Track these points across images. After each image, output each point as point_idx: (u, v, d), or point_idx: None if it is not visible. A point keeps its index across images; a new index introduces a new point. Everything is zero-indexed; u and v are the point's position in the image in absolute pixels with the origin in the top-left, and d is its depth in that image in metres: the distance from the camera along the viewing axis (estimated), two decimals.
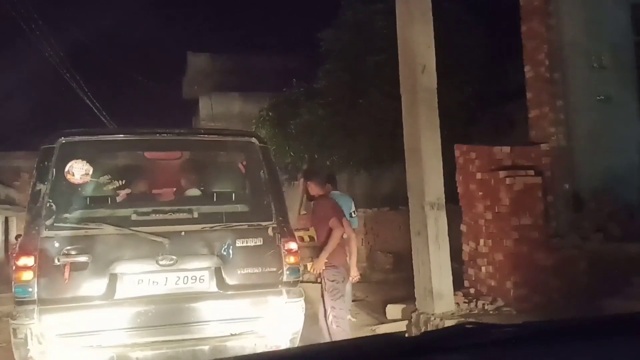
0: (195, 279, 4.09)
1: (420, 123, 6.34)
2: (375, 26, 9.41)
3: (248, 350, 4.06)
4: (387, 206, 10.29)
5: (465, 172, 7.28)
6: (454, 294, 6.45)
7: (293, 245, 4.31)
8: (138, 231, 4.00)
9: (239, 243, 4.17)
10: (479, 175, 7.05)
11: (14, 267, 4.02)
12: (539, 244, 6.60)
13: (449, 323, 5.72)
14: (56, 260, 3.82)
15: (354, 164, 10.17)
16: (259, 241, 4.22)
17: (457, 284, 6.73)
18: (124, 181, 4.62)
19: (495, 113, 9.44)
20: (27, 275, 3.76)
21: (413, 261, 6.50)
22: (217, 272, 4.12)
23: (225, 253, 4.14)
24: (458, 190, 7.29)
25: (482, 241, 6.98)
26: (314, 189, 5.57)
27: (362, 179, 10.14)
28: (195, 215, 4.23)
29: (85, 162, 4.06)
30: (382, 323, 7.05)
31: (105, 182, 4.51)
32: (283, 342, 4.16)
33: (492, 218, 6.84)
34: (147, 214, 4.17)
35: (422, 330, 5.95)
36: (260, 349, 4.08)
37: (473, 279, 7.09)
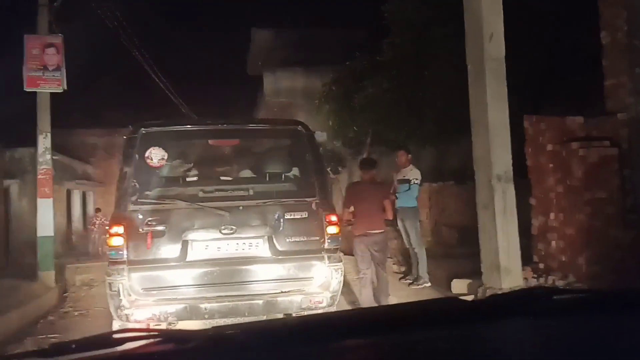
0: (251, 245, 4.87)
1: (487, 93, 6.15)
2: None
3: (295, 305, 4.78)
4: (452, 180, 10.11)
5: (535, 144, 7.04)
6: (522, 269, 6.29)
7: (333, 218, 5.00)
8: (204, 206, 4.80)
9: (287, 215, 4.90)
10: (549, 147, 6.81)
11: (107, 235, 4.86)
12: (614, 219, 6.33)
13: None
14: (140, 229, 4.66)
15: (419, 138, 10.01)
16: (304, 214, 4.94)
17: (526, 259, 6.55)
18: (192, 164, 5.39)
19: (567, 83, 9.02)
20: (119, 241, 4.62)
21: (479, 236, 6.38)
22: (269, 240, 4.87)
23: (276, 224, 4.88)
24: (527, 163, 7.06)
25: (552, 215, 6.76)
26: (369, 174, 6.68)
27: (428, 153, 9.98)
28: (251, 192, 5.01)
29: (161, 148, 4.86)
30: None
31: (177, 165, 5.28)
32: (324, 299, 4.84)
33: (563, 191, 6.61)
34: (212, 191, 4.96)
35: None
36: (305, 304, 4.79)
37: (542, 253, 6.90)
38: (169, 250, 4.71)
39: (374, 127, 10.96)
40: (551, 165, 6.79)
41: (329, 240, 4.93)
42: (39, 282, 10.17)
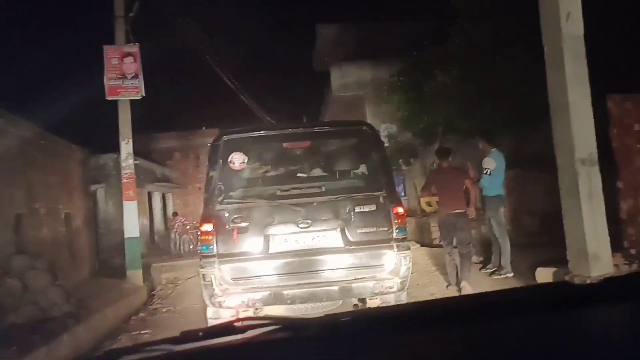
0: (326, 237, 5.26)
1: (566, 74, 5.93)
2: None
3: (368, 290, 5.17)
4: (531, 167, 9.80)
5: (621, 124, 6.72)
6: (612, 256, 6.03)
7: (400, 210, 5.34)
8: (282, 203, 5.28)
9: (357, 209, 5.28)
10: (636, 127, 6.49)
11: (199, 233, 5.43)
12: None
13: None
14: (227, 226, 5.19)
15: (494, 126, 9.75)
16: (372, 207, 5.30)
17: (615, 245, 6.25)
18: (269, 165, 5.96)
19: None
20: (209, 238, 5.18)
21: (564, 222, 6.17)
22: (342, 232, 5.26)
23: (347, 217, 5.27)
24: (612, 145, 6.76)
25: None
26: (446, 161, 7.41)
27: (504, 139, 9.69)
28: (323, 189, 5.45)
29: (241, 153, 5.40)
30: None
31: (257, 167, 5.87)
32: (395, 284, 5.17)
33: None
34: (288, 189, 5.43)
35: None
36: (377, 289, 5.15)
37: (633, 238, 6.59)
38: (253, 243, 5.22)
39: (445, 116, 10.77)
40: (639, 146, 6.46)
41: (396, 231, 5.28)
42: (128, 281, 10.68)
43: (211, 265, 5.15)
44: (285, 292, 5.08)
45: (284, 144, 5.89)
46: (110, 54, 10.85)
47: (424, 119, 11.75)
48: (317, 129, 6.16)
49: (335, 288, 5.12)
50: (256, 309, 5.15)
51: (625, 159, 6.64)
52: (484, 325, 1.19)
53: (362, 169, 5.84)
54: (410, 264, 5.29)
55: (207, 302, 5.23)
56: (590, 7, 6.01)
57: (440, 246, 10.21)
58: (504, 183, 8.01)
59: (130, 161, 11.10)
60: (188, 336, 1.21)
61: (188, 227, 19.67)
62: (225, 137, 5.47)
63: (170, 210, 22.00)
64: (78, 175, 12.92)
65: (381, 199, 5.33)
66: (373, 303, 5.44)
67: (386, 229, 5.27)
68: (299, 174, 5.93)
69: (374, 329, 1.22)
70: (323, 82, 17.08)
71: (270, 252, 5.21)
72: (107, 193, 15.59)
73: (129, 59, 10.84)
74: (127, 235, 11.00)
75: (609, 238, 5.92)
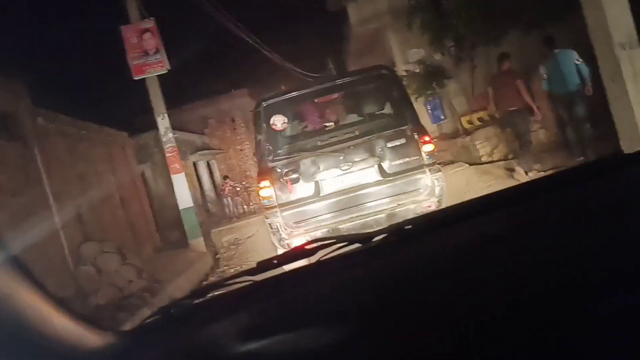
0: (366, 174, 5.85)
1: None
2: None
3: (412, 213, 5.62)
4: None
5: None
6: None
7: (427, 138, 5.87)
8: (324, 152, 5.90)
9: (389, 144, 5.85)
10: None
11: (259, 189, 6.02)
12: None
13: None
14: (281, 180, 5.86)
15: (523, 26, 9.40)
16: (402, 140, 5.84)
17: None
18: (307, 121, 6.72)
19: None
20: (268, 192, 5.85)
21: (612, 110, 6.00)
22: (380, 167, 5.85)
23: (381, 153, 5.84)
24: None
25: None
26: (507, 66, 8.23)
27: (534, 39, 9.34)
28: (357, 133, 6.01)
29: (281, 115, 6.03)
30: None
31: (296, 124, 6.67)
32: (432, 203, 5.72)
33: None
34: (326, 139, 6.06)
35: None
36: (419, 210, 5.68)
37: None
38: (305, 190, 5.88)
39: (470, 27, 10.41)
40: None
41: (426, 157, 5.82)
42: (192, 250, 11.08)
43: (275, 215, 5.83)
44: (341, 227, 5.71)
45: (316, 100, 6.48)
46: (129, 34, 10.93)
47: (450, 36, 11.41)
48: (342, 81, 6.56)
49: (383, 216, 5.70)
50: None
51: None
52: (536, 202, 1.23)
53: (387, 108, 6.45)
54: (444, 183, 5.83)
55: (277, 245, 5.93)
56: None
57: (488, 162, 10.12)
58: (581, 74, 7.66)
59: (170, 135, 11.32)
60: (264, 265, 1.29)
61: (238, 188, 20.03)
62: (264, 104, 6.07)
63: (217, 177, 22.39)
64: (124, 159, 13.28)
65: (408, 132, 5.87)
66: None
67: (417, 157, 5.82)
68: (333, 123, 6.58)
69: (439, 227, 1.27)
70: (342, 20, 16.72)
71: (321, 194, 5.85)
72: (154, 171, 15.97)
73: (148, 35, 10.90)
74: (181, 206, 11.33)
75: None
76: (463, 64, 12.20)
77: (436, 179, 5.79)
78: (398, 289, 1.03)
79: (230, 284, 1.29)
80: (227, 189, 19.21)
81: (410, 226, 1.32)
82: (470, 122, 12.20)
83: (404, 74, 13.24)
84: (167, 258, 11.05)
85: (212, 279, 8.85)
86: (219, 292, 1.30)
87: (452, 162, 11.19)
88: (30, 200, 7.55)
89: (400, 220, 5.55)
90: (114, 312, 6.65)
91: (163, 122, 11.31)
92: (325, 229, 5.74)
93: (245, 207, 19.88)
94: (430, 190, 5.77)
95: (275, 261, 1.29)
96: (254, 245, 10.17)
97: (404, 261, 1.14)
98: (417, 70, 12.92)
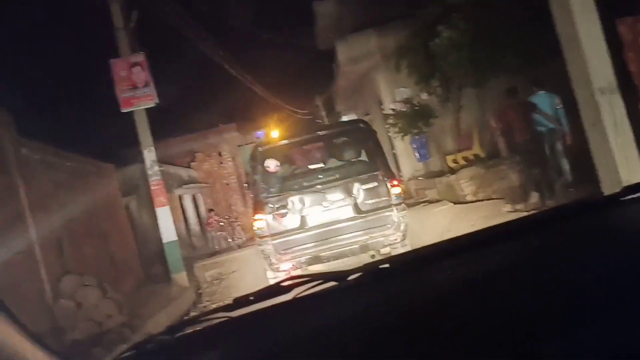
0: (344, 211, 6.93)
1: (570, 3, 5.82)
2: None
3: (380, 244, 6.90)
4: None
5: (636, 47, 6.59)
6: None
7: (395, 182, 6.99)
8: (309, 190, 7.00)
9: (363, 186, 6.94)
10: None
11: (253, 220, 7.04)
12: None
13: None
14: (272, 213, 6.90)
15: (508, 70, 9.62)
16: (374, 183, 6.95)
17: None
18: (296, 164, 7.87)
19: None
20: (262, 223, 6.91)
21: (592, 155, 6.11)
22: (355, 205, 6.93)
23: (357, 193, 6.93)
24: (629, 69, 6.64)
25: None
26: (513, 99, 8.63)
27: (520, 82, 9.55)
28: (337, 175, 7.15)
29: (274, 158, 7.30)
30: None
31: (287, 167, 7.68)
32: (398, 237, 6.83)
33: None
34: (311, 180, 7.18)
35: None
36: (386, 242, 6.87)
37: None
38: (292, 223, 6.92)
39: (460, 69, 10.62)
40: None
41: (394, 198, 6.90)
42: (174, 284, 10.94)
43: (266, 243, 6.89)
44: (321, 255, 6.82)
45: (304, 147, 7.94)
46: (118, 67, 11.00)
47: (437, 77, 11.63)
48: (327, 132, 7.94)
49: (356, 246, 6.84)
50: (303, 269, 6.85)
51: None
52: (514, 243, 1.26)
53: (363, 155, 7.55)
54: (407, 219, 6.96)
55: (267, 268, 7.01)
56: None
57: (472, 201, 10.20)
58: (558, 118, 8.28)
59: (156, 168, 11.30)
60: (240, 302, 1.29)
61: (222, 223, 19.93)
62: (260, 149, 7.28)
63: (202, 210, 22.28)
64: (109, 191, 13.18)
65: (380, 176, 6.98)
66: (385, 252, 6.95)
67: (386, 197, 6.92)
68: (317, 167, 7.72)
69: (413, 267, 1.28)
70: (331, 58, 16.97)
71: (306, 227, 6.90)
72: (139, 203, 15.84)
73: (137, 69, 10.97)
74: (165, 240, 11.24)
75: None
76: (449, 104, 12.40)
77: (402, 216, 6.90)
78: (372, 329, 1.04)
79: (207, 320, 1.29)
80: (213, 222, 19.12)
81: (386, 265, 1.33)
82: (455, 162, 12.34)
83: (391, 112, 13.42)
84: (149, 293, 10.89)
85: (193, 314, 8.72)
86: (195, 328, 1.30)
87: (437, 201, 11.26)
88: (10, 231, 7.44)
89: (371, 251, 6.56)
90: (90, 347, 6.51)
91: (150, 155, 11.30)
92: (309, 256, 6.85)
93: (230, 240, 19.75)
94: (396, 226, 6.85)
95: (251, 298, 1.29)
96: (237, 280, 10.08)
97: (379, 301, 1.16)
98: (404, 109, 13.09)
